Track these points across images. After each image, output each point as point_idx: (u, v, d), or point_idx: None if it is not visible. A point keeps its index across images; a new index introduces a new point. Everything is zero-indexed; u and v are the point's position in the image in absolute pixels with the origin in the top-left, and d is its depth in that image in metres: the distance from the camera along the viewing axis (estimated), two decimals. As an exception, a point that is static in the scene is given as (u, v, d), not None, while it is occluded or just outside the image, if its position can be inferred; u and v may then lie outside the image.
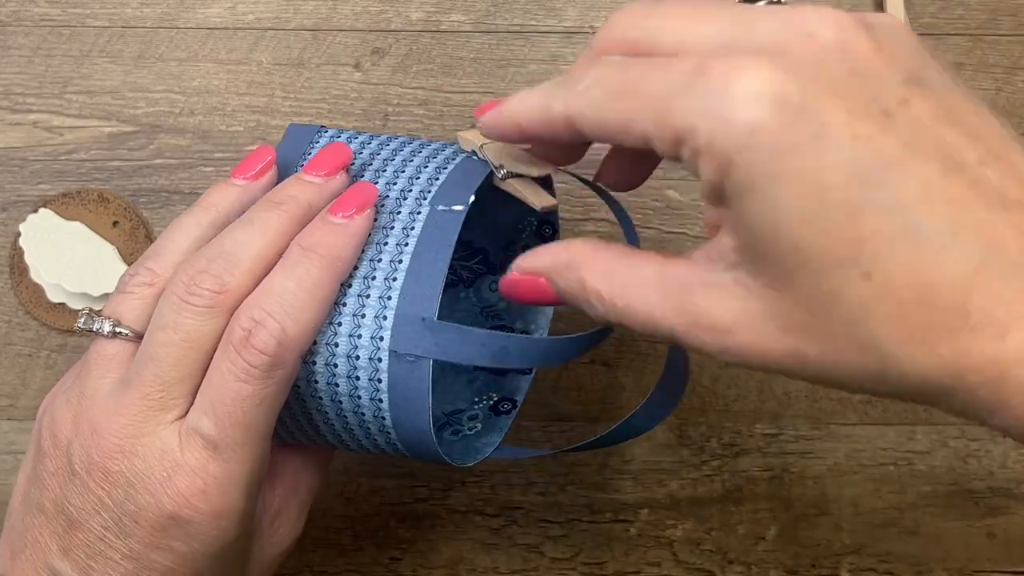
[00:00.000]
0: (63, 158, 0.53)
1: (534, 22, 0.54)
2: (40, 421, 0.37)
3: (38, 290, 0.53)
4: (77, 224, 0.53)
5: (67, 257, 0.52)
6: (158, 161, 0.53)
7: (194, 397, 0.35)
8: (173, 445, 0.34)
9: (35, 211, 0.53)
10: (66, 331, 0.53)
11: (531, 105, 0.32)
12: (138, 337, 0.35)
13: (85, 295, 0.52)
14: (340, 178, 0.37)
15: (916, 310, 0.26)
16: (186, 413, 0.35)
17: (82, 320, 0.36)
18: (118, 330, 0.36)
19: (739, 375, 0.53)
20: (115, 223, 0.53)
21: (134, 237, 0.53)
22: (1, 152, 0.53)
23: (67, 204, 0.53)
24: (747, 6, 0.29)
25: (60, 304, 0.53)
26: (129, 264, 0.52)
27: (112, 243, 0.53)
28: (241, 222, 0.36)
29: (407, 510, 0.53)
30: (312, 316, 0.34)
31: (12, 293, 0.53)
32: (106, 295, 0.52)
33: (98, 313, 0.36)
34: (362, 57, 0.54)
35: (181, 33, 0.54)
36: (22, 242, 0.52)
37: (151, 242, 0.53)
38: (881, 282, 0.26)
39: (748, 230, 0.28)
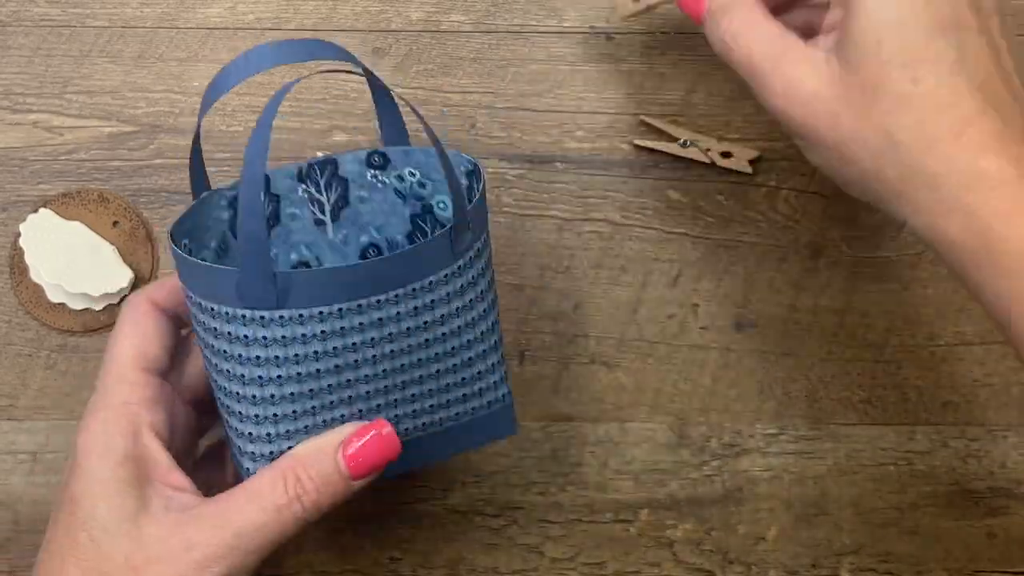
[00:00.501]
0: (63, 158, 0.53)
1: (534, 22, 0.54)
2: None
3: (38, 290, 0.53)
4: (77, 224, 0.53)
5: (67, 257, 0.52)
6: (158, 161, 0.53)
7: None
8: None
9: (35, 211, 0.53)
10: (66, 331, 0.53)
11: None
12: None
13: (85, 295, 0.52)
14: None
15: (934, 120, 0.37)
16: None
17: None
18: None
19: (739, 375, 0.53)
20: (115, 223, 0.53)
21: (134, 237, 0.53)
22: (1, 152, 0.53)
23: (67, 204, 0.53)
24: None
25: (60, 304, 0.53)
26: (129, 264, 0.53)
27: (112, 243, 0.53)
28: None
29: (407, 510, 0.53)
30: None
31: (12, 293, 0.53)
32: (106, 295, 0.52)
33: None
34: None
35: (181, 33, 0.54)
36: (22, 242, 0.52)
37: (151, 242, 0.53)
38: (923, 90, 0.37)
39: (856, 20, 0.38)
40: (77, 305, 0.52)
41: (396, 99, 0.46)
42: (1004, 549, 0.53)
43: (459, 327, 0.43)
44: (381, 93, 0.46)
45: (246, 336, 0.39)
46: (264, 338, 0.39)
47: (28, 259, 0.52)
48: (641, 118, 0.53)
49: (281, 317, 0.39)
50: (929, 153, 0.37)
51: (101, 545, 0.38)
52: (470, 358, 0.43)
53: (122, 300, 0.53)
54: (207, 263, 0.41)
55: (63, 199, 0.53)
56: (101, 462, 0.39)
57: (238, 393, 0.41)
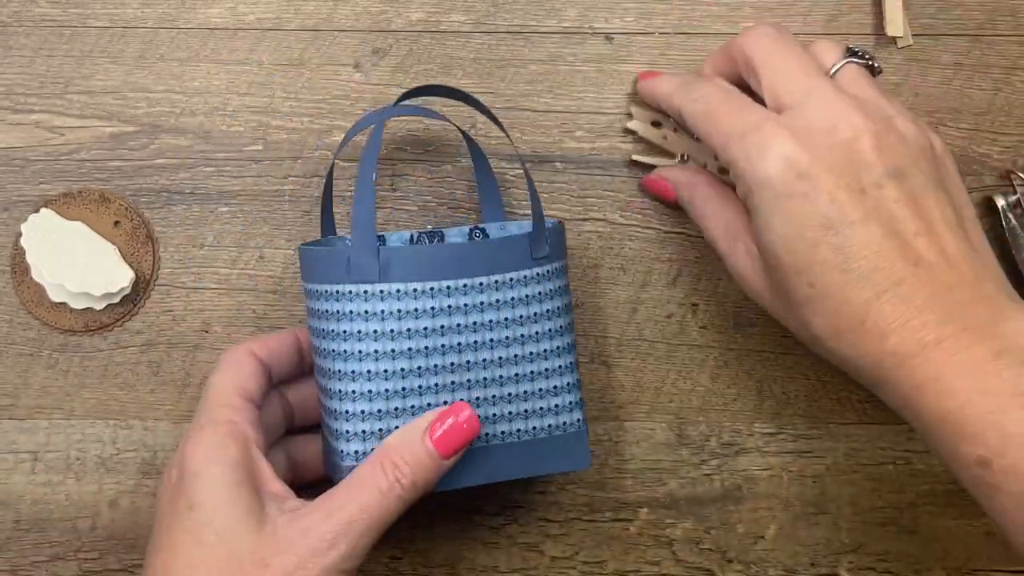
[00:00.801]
0: (64, 158, 0.53)
1: (534, 22, 0.54)
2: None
3: (39, 290, 0.53)
4: (78, 224, 0.53)
5: (68, 257, 0.52)
6: (159, 161, 0.53)
7: None
8: None
9: (36, 211, 0.53)
10: (67, 331, 0.53)
11: (663, 91, 0.49)
12: None
13: (86, 295, 0.52)
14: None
15: (835, 315, 0.42)
16: None
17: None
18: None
19: (738, 375, 0.53)
20: (116, 223, 0.53)
21: (135, 237, 0.53)
22: (2, 152, 0.53)
23: (68, 204, 0.53)
24: (822, 81, 0.44)
25: (61, 304, 0.53)
26: (130, 264, 0.53)
27: (113, 243, 0.53)
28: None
29: (407, 510, 0.53)
30: None
31: (14, 293, 0.53)
32: (107, 294, 0.52)
33: None
34: (362, 57, 0.54)
35: (182, 33, 0.54)
36: (23, 242, 0.52)
37: (152, 242, 0.53)
38: (818, 292, 0.42)
39: (757, 236, 0.44)
40: (78, 305, 0.53)
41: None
42: (1002, 548, 0.53)
43: (537, 333, 0.47)
44: (480, 161, 0.50)
45: (351, 312, 0.45)
46: (365, 312, 0.45)
47: (29, 259, 0.52)
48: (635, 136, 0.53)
49: (382, 291, 0.45)
50: (841, 343, 0.42)
51: (228, 543, 0.41)
52: (546, 369, 0.47)
53: (123, 300, 0.53)
54: (326, 247, 0.48)
55: (64, 199, 0.53)
56: (221, 469, 0.43)
57: (339, 371, 0.46)
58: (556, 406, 0.47)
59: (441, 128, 0.53)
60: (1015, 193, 0.53)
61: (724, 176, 0.51)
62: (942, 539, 0.53)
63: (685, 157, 0.53)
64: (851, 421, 0.53)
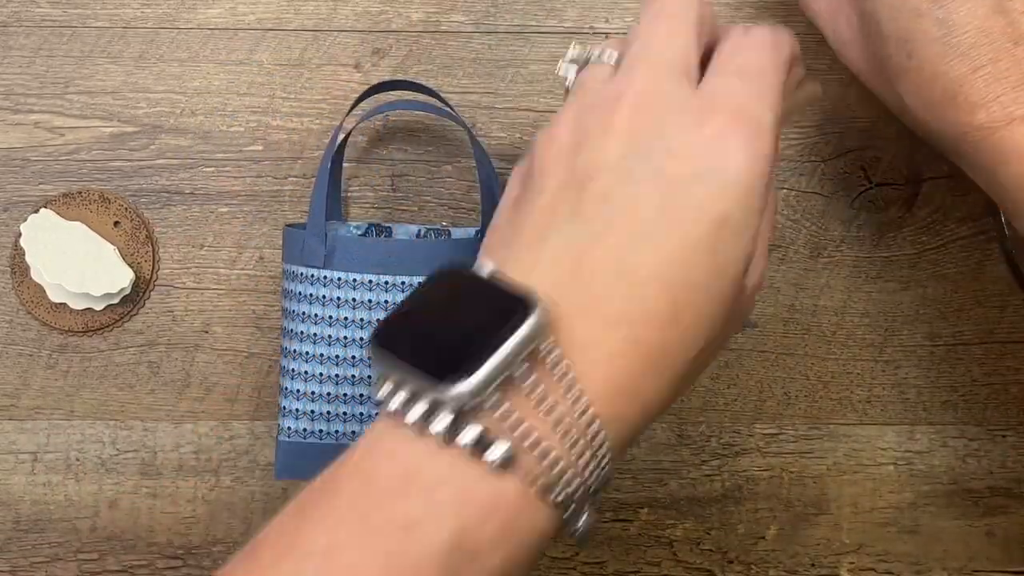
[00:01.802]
0: (64, 158, 0.53)
1: (534, 23, 0.54)
2: (525, 157, 0.39)
3: (39, 290, 0.53)
4: (78, 224, 0.53)
5: (68, 257, 0.52)
6: (159, 161, 0.53)
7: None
8: (698, 94, 0.36)
9: (36, 211, 0.53)
10: (67, 331, 0.53)
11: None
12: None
13: (86, 295, 0.52)
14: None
15: (928, 87, 0.42)
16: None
17: (569, 54, 0.39)
18: (600, 56, 0.38)
19: (739, 375, 0.53)
20: (116, 223, 0.53)
21: (135, 237, 0.53)
22: (2, 152, 0.53)
23: (68, 204, 0.53)
24: None
25: (61, 304, 0.53)
26: (130, 264, 0.53)
27: (113, 243, 0.53)
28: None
29: (407, 510, 0.53)
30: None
31: (13, 293, 0.53)
32: (107, 295, 0.52)
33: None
34: (362, 58, 0.54)
35: (182, 34, 0.54)
36: (23, 242, 0.52)
37: (152, 242, 0.53)
38: (915, 63, 0.42)
39: (858, 1, 0.44)
40: (78, 305, 0.53)
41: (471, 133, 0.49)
42: (1003, 548, 0.53)
43: None
44: (482, 161, 0.50)
45: (299, 293, 0.48)
46: (311, 295, 0.48)
47: (29, 259, 0.52)
48: None
49: (325, 277, 0.47)
50: (930, 115, 0.42)
51: None
52: None
53: (123, 300, 0.53)
54: (291, 228, 0.49)
55: (64, 199, 0.53)
56: None
57: (285, 348, 0.48)
58: None
59: (441, 128, 0.53)
60: (1016, 193, 0.53)
61: None
62: (942, 539, 0.53)
63: None
64: (851, 421, 0.53)
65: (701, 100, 0.36)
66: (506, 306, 0.32)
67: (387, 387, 0.33)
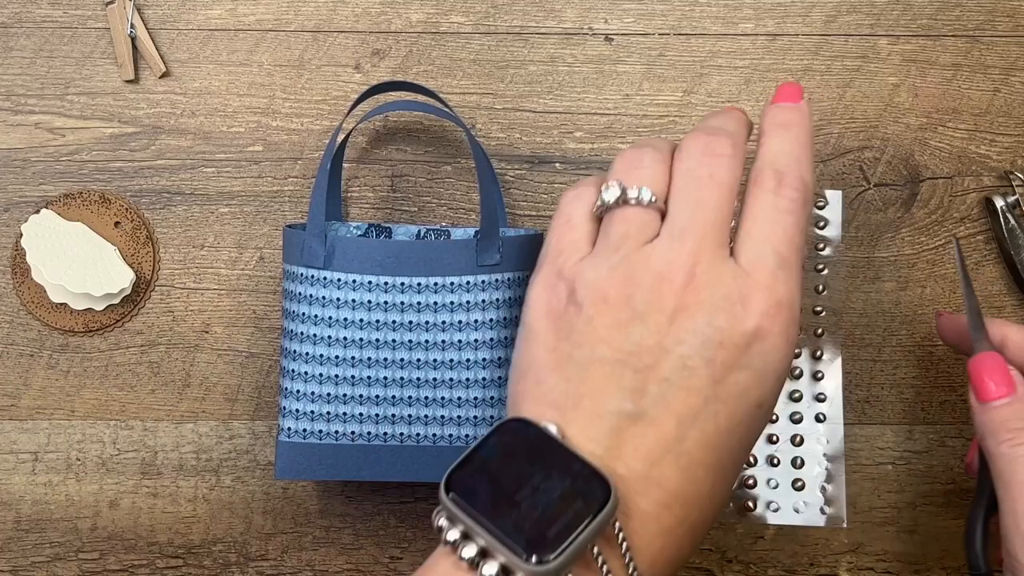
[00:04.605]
0: (65, 159, 0.54)
1: (533, 24, 0.54)
2: (556, 290, 0.40)
3: (40, 290, 0.53)
4: (79, 225, 0.53)
5: (69, 258, 0.52)
6: (160, 162, 0.54)
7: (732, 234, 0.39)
8: (739, 272, 0.38)
9: (37, 212, 0.53)
10: (68, 331, 0.53)
11: None
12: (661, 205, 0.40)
13: (87, 295, 0.52)
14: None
15: None
16: (731, 248, 0.39)
17: (607, 195, 0.39)
18: (654, 198, 0.39)
19: (738, 375, 0.53)
20: (117, 224, 0.53)
21: (135, 238, 0.53)
22: (3, 153, 0.54)
23: (69, 205, 0.53)
24: None
25: (62, 304, 0.53)
26: (130, 264, 0.53)
27: (113, 244, 0.53)
28: (710, 115, 0.43)
29: (407, 509, 0.53)
30: (812, 167, 0.41)
31: (14, 293, 0.53)
32: (107, 295, 0.52)
33: (623, 189, 0.39)
34: (362, 58, 0.54)
35: (182, 35, 0.54)
36: (24, 243, 0.52)
37: (152, 243, 0.53)
38: None
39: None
40: (79, 305, 0.53)
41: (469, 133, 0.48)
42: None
43: (475, 341, 0.47)
44: (481, 162, 0.50)
45: (299, 293, 0.48)
46: (310, 296, 0.48)
47: (30, 260, 0.52)
48: None
49: (325, 278, 0.47)
50: None
51: None
52: (468, 380, 0.48)
53: (123, 300, 0.53)
54: (291, 228, 0.49)
55: (65, 200, 0.53)
56: None
57: (285, 348, 0.48)
58: (474, 417, 0.48)
59: (441, 128, 0.54)
60: (1014, 194, 0.53)
61: None
62: (941, 539, 0.53)
63: None
64: (851, 421, 0.53)
65: (743, 280, 0.38)
66: (587, 487, 0.35)
67: (455, 532, 0.35)
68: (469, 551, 0.35)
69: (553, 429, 0.37)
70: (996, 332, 0.45)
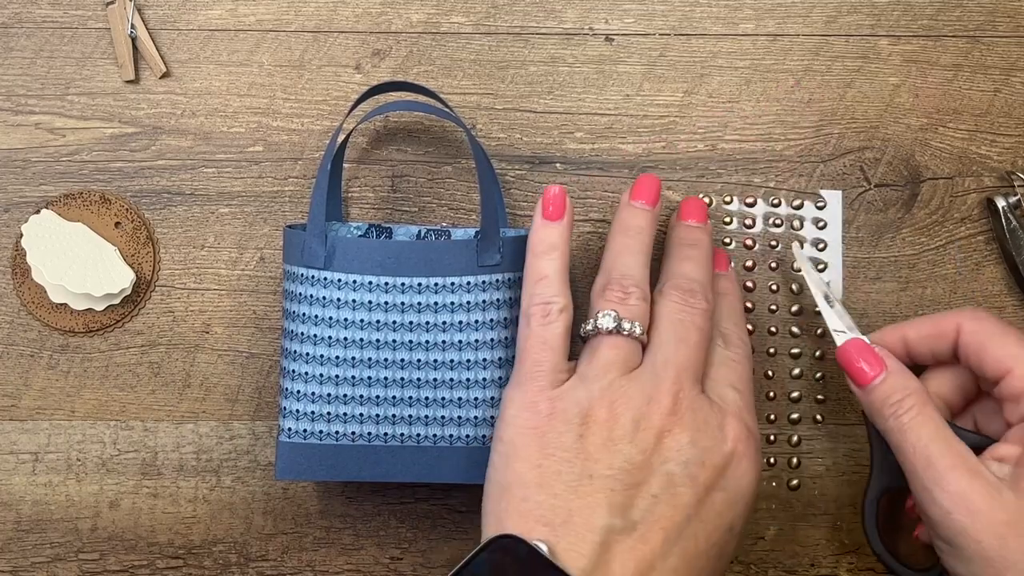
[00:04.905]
0: (65, 159, 0.54)
1: (534, 24, 0.54)
2: (536, 408, 0.43)
3: (40, 291, 0.53)
4: (79, 225, 0.53)
5: (69, 258, 0.52)
6: (160, 162, 0.54)
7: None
8: (714, 403, 0.43)
9: (37, 212, 0.53)
10: (68, 331, 0.53)
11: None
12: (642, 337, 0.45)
13: (87, 296, 0.52)
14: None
15: None
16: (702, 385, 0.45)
17: (603, 321, 0.44)
18: (643, 333, 0.44)
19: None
20: (117, 224, 0.53)
21: (136, 238, 0.53)
22: (3, 153, 0.54)
23: (69, 205, 0.53)
24: None
25: (62, 305, 0.53)
26: (131, 265, 0.53)
27: (114, 244, 0.53)
28: (684, 257, 0.48)
29: (408, 510, 0.53)
30: (744, 325, 0.50)
31: (14, 294, 0.53)
32: (108, 295, 0.52)
33: (618, 319, 0.44)
34: (363, 59, 0.54)
35: (182, 35, 0.54)
36: (24, 243, 0.52)
37: (153, 243, 0.53)
38: None
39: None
40: (79, 306, 0.53)
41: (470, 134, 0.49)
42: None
43: (475, 341, 0.47)
44: (482, 162, 0.50)
45: (300, 294, 0.48)
46: (311, 296, 0.47)
47: (30, 260, 0.52)
48: None
49: (325, 278, 0.47)
50: None
51: None
52: (469, 380, 0.47)
53: (123, 300, 0.53)
54: (291, 229, 0.49)
55: (65, 200, 0.53)
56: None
57: (286, 349, 0.48)
58: (475, 418, 0.48)
59: (441, 129, 0.54)
60: (1015, 194, 0.53)
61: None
62: (942, 540, 0.53)
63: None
64: (851, 421, 0.53)
65: (718, 408, 0.44)
66: None
67: None
68: None
69: (544, 548, 0.38)
70: (893, 336, 0.48)
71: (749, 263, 0.53)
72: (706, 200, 0.53)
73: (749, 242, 0.53)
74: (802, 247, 0.52)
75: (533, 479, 0.41)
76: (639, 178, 0.48)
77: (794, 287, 0.53)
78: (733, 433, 0.43)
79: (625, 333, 0.44)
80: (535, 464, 0.41)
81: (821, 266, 0.53)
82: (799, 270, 0.52)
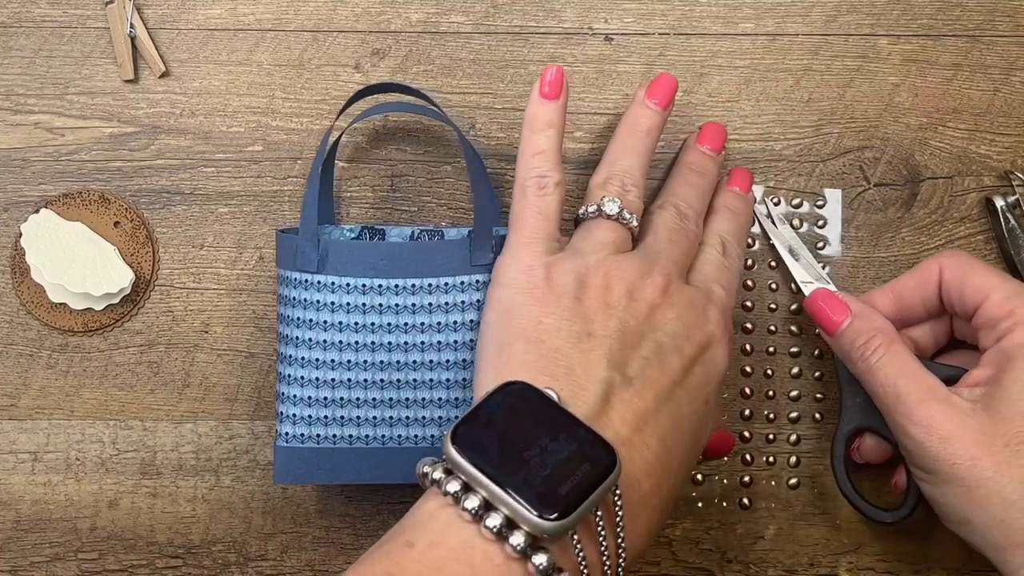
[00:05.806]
0: (64, 159, 0.53)
1: (533, 23, 0.54)
2: (532, 272, 0.44)
3: (39, 290, 0.53)
4: (78, 225, 0.53)
5: (68, 257, 0.52)
6: (159, 162, 0.54)
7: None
8: (697, 290, 0.45)
9: (36, 212, 0.53)
10: (67, 331, 0.53)
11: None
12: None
13: (86, 295, 0.52)
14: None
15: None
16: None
17: (608, 206, 0.46)
18: (637, 225, 0.46)
19: (738, 376, 0.53)
20: (116, 223, 0.53)
21: (135, 238, 0.53)
22: (3, 153, 0.54)
23: (68, 205, 0.53)
24: None
25: (61, 304, 0.53)
26: (130, 264, 0.53)
27: (113, 243, 0.53)
28: (690, 183, 0.49)
29: (407, 509, 0.53)
30: (745, 242, 0.52)
31: (13, 293, 0.53)
32: (107, 295, 0.52)
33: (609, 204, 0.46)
34: (362, 58, 0.54)
35: (182, 34, 0.54)
36: (24, 242, 0.52)
37: (152, 242, 0.53)
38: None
39: (1015, 381, 0.43)
40: (78, 305, 0.53)
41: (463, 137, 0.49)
42: (1002, 548, 0.53)
43: (470, 341, 0.47)
44: (473, 162, 0.50)
45: (294, 298, 0.48)
46: (305, 300, 0.47)
47: (29, 259, 0.52)
48: None
49: (319, 282, 0.47)
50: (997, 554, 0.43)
51: None
52: (464, 380, 0.48)
53: (123, 300, 0.53)
54: (284, 233, 0.49)
55: (64, 200, 0.53)
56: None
57: (282, 353, 0.48)
58: None
59: (440, 128, 0.54)
60: (1014, 193, 0.53)
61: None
62: (941, 539, 0.53)
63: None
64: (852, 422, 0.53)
65: (703, 296, 0.45)
66: (593, 452, 0.37)
67: (455, 484, 0.37)
68: (472, 502, 0.36)
69: (553, 395, 0.39)
70: (883, 296, 0.49)
71: (748, 262, 0.53)
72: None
73: (749, 241, 0.53)
74: (777, 205, 0.53)
75: (535, 334, 0.42)
76: (658, 76, 0.49)
77: (793, 286, 0.53)
78: (715, 319, 0.45)
79: (624, 221, 0.46)
80: (536, 320, 0.43)
81: (821, 265, 0.53)
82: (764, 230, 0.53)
